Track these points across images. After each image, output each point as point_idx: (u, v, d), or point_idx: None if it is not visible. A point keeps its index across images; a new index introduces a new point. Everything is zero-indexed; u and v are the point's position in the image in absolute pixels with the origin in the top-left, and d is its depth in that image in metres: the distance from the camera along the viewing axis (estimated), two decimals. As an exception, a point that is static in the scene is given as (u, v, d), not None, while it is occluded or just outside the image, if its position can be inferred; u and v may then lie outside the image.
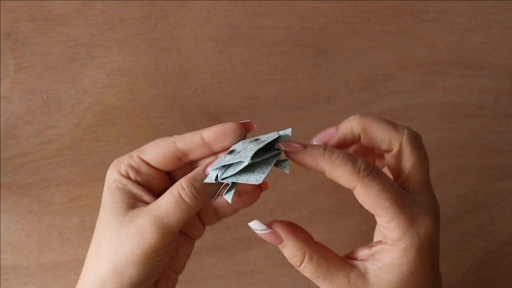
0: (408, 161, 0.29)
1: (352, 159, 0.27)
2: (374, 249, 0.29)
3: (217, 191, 0.29)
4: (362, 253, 0.30)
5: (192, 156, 0.30)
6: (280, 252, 0.46)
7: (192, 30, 0.46)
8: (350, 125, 0.30)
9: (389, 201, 0.27)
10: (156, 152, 0.30)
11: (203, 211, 0.33)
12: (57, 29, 0.45)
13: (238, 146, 0.29)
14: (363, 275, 0.28)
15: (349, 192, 0.39)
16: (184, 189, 0.28)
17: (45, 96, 0.44)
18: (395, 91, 0.48)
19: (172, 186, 0.29)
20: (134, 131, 0.45)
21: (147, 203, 0.30)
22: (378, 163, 0.34)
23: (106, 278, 0.29)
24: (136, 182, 0.30)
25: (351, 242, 0.46)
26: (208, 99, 0.46)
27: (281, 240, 0.28)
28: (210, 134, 0.29)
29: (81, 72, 0.45)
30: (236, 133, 0.29)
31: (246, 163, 0.26)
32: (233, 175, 0.27)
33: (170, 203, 0.28)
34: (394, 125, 0.30)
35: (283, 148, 0.28)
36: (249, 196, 0.32)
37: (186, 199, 0.28)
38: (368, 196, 0.27)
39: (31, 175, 0.44)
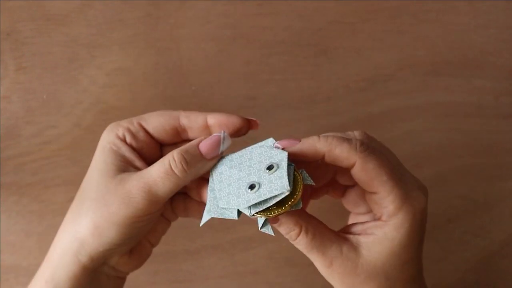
0: (370, 168, 0.28)
1: (346, 139, 0.28)
2: (367, 225, 0.29)
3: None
4: (355, 228, 0.30)
5: (191, 135, 0.31)
6: (280, 252, 0.46)
7: (192, 30, 0.46)
8: (314, 146, 0.29)
9: (387, 175, 0.28)
10: (159, 121, 0.31)
11: (175, 203, 0.34)
12: (57, 29, 0.45)
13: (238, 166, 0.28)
14: (355, 248, 0.28)
15: (349, 192, 0.38)
16: (175, 160, 0.28)
17: (45, 96, 0.44)
18: (395, 91, 0.48)
19: (164, 157, 0.29)
20: (134, 131, 0.45)
21: (138, 169, 0.30)
22: (340, 178, 0.33)
23: (85, 235, 0.29)
24: (131, 147, 0.31)
25: (351, 242, 0.46)
26: (208, 99, 0.46)
27: (277, 219, 0.28)
28: (214, 121, 0.30)
29: (81, 72, 0.45)
30: (238, 127, 0.30)
31: (282, 195, 0.26)
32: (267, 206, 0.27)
33: (159, 172, 0.28)
34: (348, 142, 0.28)
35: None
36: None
37: (176, 171, 0.28)
38: (367, 171, 0.27)
39: (31, 175, 0.44)
